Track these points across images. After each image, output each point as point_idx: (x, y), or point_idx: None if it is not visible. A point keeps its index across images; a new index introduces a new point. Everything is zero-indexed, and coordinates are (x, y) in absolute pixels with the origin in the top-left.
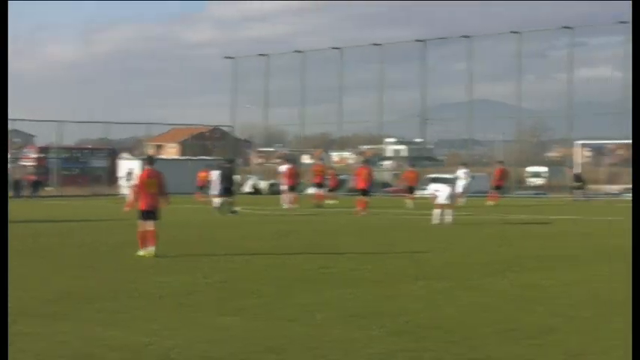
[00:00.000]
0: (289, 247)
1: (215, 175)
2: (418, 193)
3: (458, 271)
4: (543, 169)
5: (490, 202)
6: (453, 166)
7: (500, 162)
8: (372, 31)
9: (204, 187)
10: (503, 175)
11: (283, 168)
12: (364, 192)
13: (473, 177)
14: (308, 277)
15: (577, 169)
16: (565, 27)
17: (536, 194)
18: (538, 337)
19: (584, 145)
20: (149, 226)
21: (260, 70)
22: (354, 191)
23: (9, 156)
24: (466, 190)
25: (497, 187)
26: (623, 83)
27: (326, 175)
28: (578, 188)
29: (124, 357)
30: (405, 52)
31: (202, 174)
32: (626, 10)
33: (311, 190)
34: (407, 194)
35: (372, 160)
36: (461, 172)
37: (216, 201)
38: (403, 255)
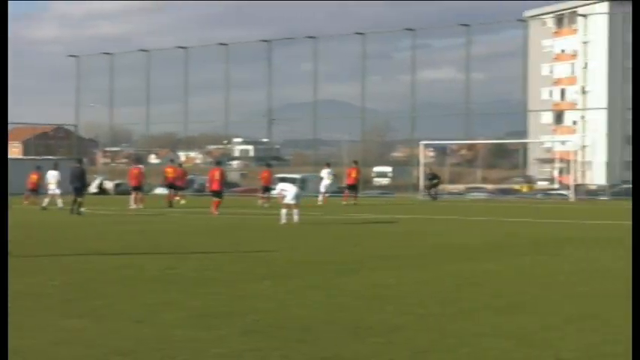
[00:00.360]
0: (136, 248)
1: (52, 175)
2: (267, 193)
3: (307, 271)
4: (388, 169)
5: (345, 202)
6: (299, 165)
7: (355, 162)
8: (217, 30)
9: (35, 189)
10: (358, 174)
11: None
12: (217, 193)
13: (335, 176)
14: (155, 278)
15: (422, 169)
16: (408, 29)
17: (383, 194)
18: (386, 335)
19: (427, 146)
20: None
21: (105, 68)
22: (204, 191)
23: None
24: (328, 189)
25: (351, 187)
26: (465, 85)
27: (177, 176)
28: (434, 186)
29: None
30: (251, 52)
31: (33, 176)
32: (467, 12)
33: (159, 190)
34: (262, 194)
35: (220, 161)
36: (325, 172)
37: (60, 201)
38: (252, 255)
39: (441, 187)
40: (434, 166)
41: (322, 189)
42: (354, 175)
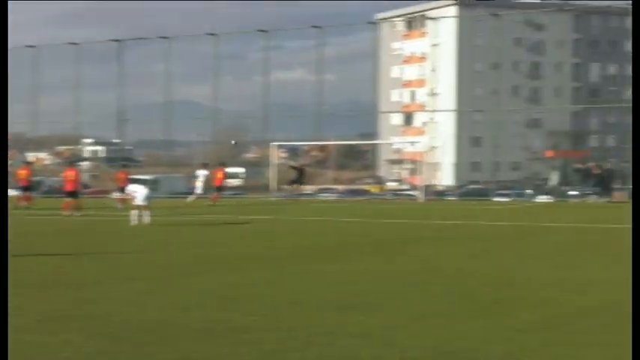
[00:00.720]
0: None
1: None
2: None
3: (157, 272)
4: (241, 169)
5: (217, 202)
6: (151, 166)
7: (223, 163)
8: (68, 30)
9: None
10: (224, 176)
11: None
12: (72, 194)
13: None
14: None
15: (273, 169)
16: (260, 30)
17: (235, 194)
18: (236, 335)
19: (279, 147)
20: None
21: None
22: (54, 193)
23: None
24: (201, 191)
25: (219, 188)
26: (317, 86)
27: (30, 177)
28: (299, 182)
29: None
30: (102, 52)
31: None
32: (320, 14)
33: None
34: (118, 195)
35: (73, 161)
36: (200, 173)
37: None
38: (102, 256)
39: (288, 187)
40: (286, 167)
41: (199, 190)
42: (220, 176)
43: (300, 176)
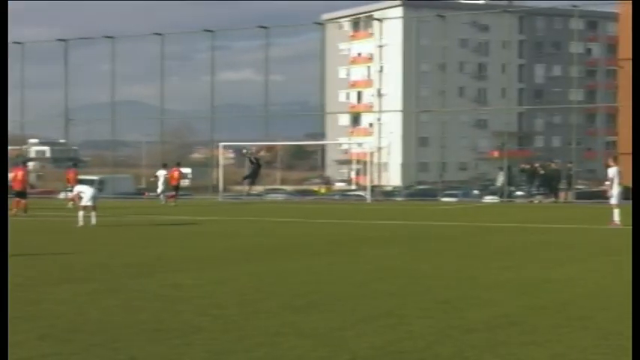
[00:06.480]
0: None
1: None
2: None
3: (104, 274)
4: (188, 170)
5: (174, 203)
6: (97, 167)
7: (178, 164)
8: (13, 29)
9: None
10: (180, 176)
11: None
12: (20, 193)
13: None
14: None
15: (220, 171)
16: (206, 30)
17: (182, 195)
18: (185, 336)
19: (226, 147)
20: None
21: None
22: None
23: None
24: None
25: (176, 187)
26: (264, 86)
27: None
28: (250, 178)
29: None
30: (47, 52)
31: None
32: (266, 14)
33: None
34: (69, 194)
35: (24, 160)
36: (160, 174)
37: None
38: (47, 258)
39: (237, 188)
40: (233, 167)
41: (159, 190)
42: (176, 176)
43: (256, 171)
